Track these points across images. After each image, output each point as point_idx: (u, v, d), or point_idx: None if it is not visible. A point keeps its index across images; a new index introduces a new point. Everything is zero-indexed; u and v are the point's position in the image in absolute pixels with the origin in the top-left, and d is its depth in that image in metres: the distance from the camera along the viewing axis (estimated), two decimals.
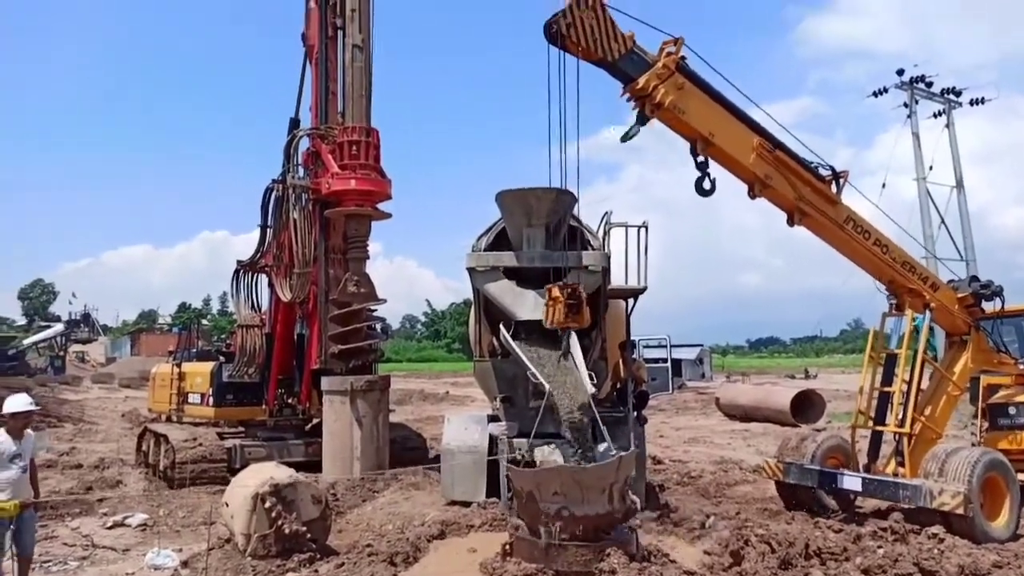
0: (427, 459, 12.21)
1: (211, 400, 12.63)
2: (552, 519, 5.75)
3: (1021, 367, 10.22)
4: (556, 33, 6.86)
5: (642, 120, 7.28)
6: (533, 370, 7.47)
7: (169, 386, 13.78)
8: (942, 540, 6.14)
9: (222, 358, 13.40)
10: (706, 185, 7.64)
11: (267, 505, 6.47)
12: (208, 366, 13.05)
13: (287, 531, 6.46)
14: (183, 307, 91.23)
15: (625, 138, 7.45)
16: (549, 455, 7.05)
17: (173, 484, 10.70)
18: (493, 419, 9.00)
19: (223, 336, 31.68)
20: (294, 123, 13.05)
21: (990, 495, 7.60)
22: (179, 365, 13.85)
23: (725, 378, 42.31)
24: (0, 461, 5.72)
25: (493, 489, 8.55)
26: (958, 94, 29.82)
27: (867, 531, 6.66)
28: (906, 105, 29.06)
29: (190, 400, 13.29)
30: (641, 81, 7.06)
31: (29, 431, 6.12)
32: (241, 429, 12.81)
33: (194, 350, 15.32)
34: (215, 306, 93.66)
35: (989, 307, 9.48)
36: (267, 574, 6.12)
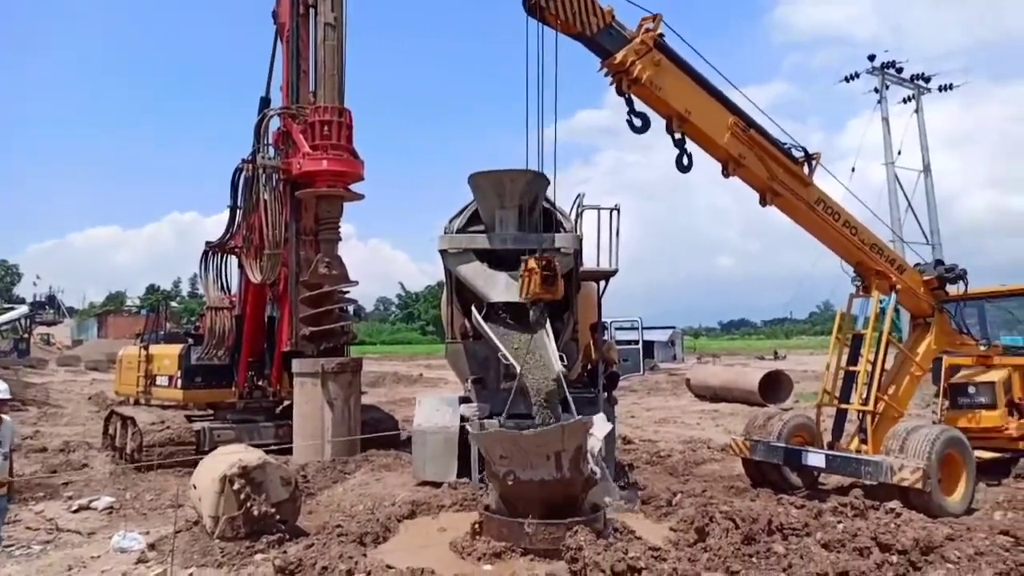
0: (399, 441, 12.23)
1: (179, 382, 12.48)
2: (502, 481, 5.92)
3: (982, 349, 10.50)
4: (535, 5, 6.82)
5: (620, 94, 7.28)
6: (504, 351, 7.51)
7: (136, 368, 13.59)
8: (899, 515, 6.30)
9: (191, 340, 13.25)
10: (685, 161, 7.70)
11: (236, 487, 6.43)
12: (176, 348, 12.89)
13: (256, 513, 6.43)
14: (152, 289, 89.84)
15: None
16: None
17: (141, 467, 10.59)
18: (465, 400, 9.04)
19: (193, 318, 31.30)
20: (264, 102, 12.85)
21: (948, 471, 7.81)
22: (146, 347, 13.66)
23: (696, 359, 42.83)
24: None
25: (464, 470, 8.60)
26: (927, 80, 30.25)
27: (828, 507, 6.80)
28: (877, 90, 29.42)
29: (158, 383, 13.12)
30: (619, 56, 7.06)
31: (7, 418, 6.01)
32: (210, 412, 12.72)
33: (162, 332, 15.11)
34: (185, 288, 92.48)
35: (953, 290, 9.68)
36: (235, 556, 6.10)
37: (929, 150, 29.78)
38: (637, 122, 7.37)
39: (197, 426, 11.60)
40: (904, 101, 30.26)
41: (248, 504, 6.43)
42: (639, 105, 7.42)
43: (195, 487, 7.14)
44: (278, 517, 6.61)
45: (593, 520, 5.95)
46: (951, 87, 30.43)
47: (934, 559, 5.27)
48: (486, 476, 6.36)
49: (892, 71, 29.34)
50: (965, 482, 7.92)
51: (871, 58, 29.48)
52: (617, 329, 33.01)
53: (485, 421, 8.17)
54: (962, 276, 9.56)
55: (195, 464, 8.31)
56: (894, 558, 5.28)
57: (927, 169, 29.54)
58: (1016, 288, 11.93)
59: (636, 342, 32.72)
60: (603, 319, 10.40)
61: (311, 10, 12.04)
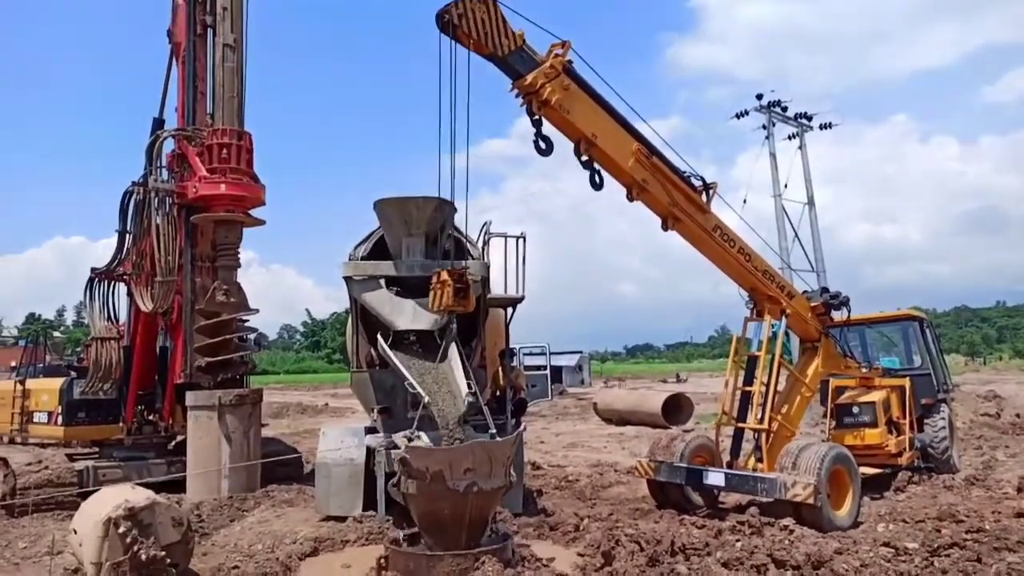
0: (302, 475, 11.81)
1: (60, 419, 11.63)
2: (462, 496, 5.79)
3: (864, 371, 11.22)
4: (448, 23, 6.89)
5: (531, 115, 7.41)
6: (411, 380, 7.39)
7: (11, 404, 12.59)
8: (792, 531, 6.59)
9: (73, 373, 12.41)
10: (596, 180, 7.87)
11: (121, 530, 5.99)
12: (57, 382, 12.03)
13: (144, 557, 6.01)
14: (32, 318, 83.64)
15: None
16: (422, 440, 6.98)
17: (14, 512, 9.74)
18: (371, 431, 8.83)
19: (78, 349, 29.33)
20: (158, 123, 12.30)
21: (836, 487, 8.22)
22: (23, 381, 12.69)
23: (603, 383, 43.67)
24: None
25: (370, 503, 8.38)
26: (809, 119, 32.29)
27: (727, 525, 7.03)
28: (764, 127, 31.13)
29: (35, 419, 12.19)
30: (529, 78, 7.21)
31: None
32: (95, 449, 11.90)
33: (42, 365, 14.11)
34: (70, 317, 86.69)
35: (837, 316, 10.29)
36: None
37: (812, 184, 31.80)
38: (543, 145, 7.53)
39: (80, 465, 10.80)
40: (789, 138, 32.20)
41: (135, 548, 6.00)
42: (546, 129, 7.59)
43: (75, 532, 6.61)
44: (168, 561, 6.20)
45: (501, 549, 5.92)
46: (830, 126, 32.69)
47: (824, 572, 5.53)
48: (417, 501, 6.00)
49: (778, 109, 31.19)
50: (851, 497, 8.36)
51: (759, 97, 31.24)
52: (526, 355, 33.37)
53: (392, 453, 8.02)
54: (845, 303, 10.18)
55: (77, 507, 7.72)
56: (788, 573, 5.51)
57: (811, 202, 31.45)
58: (892, 315, 12.90)
59: (544, 367, 33.13)
60: (511, 345, 10.47)
61: (209, 30, 11.70)
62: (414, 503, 6.01)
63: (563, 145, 7.80)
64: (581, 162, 7.81)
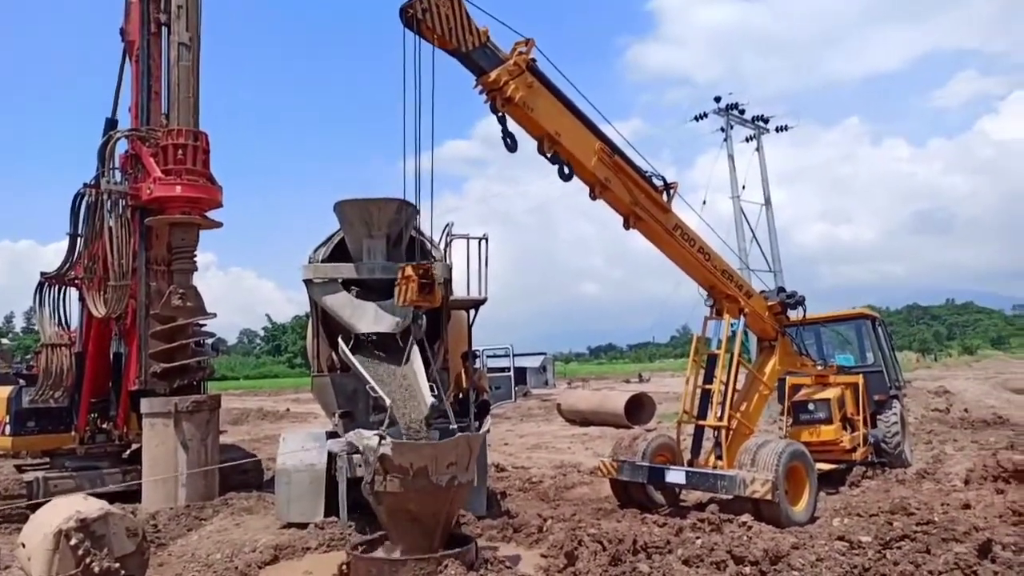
0: (262, 482, 11.64)
1: (8, 428, 11.28)
2: (443, 492, 5.79)
3: (819, 369, 11.47)
4: (412, 17, 6.86)
5: (494, 112, 7.41)
6: (373, 384, 7.34)
7: None
8: (751, 528, 6.71)
9: (22, 381, 12.03)
10: (565, 171, 7.88)
11: (73, 542, 5.83)
12: (4, 390, 11.65)
13: (96, 570, 5.84)
14: None
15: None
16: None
17: None
18: (332, 436, 8.74)
19: (27, 357, 28.40)
20: (111, 124, 11.99)
21: (793, 483, 8.38)
22: None
23: (567, 384, 43.86)
24: None
25: (331, 509, 8.28)
26: (766, 121, 32.97)
27: (688, 523, 7.12)
28: (722, 129, 31.66)
29: None
30: (493, 75, 7.23)
31: None
32: (46, 460, 11.55)
33: None
34: (19, 324, 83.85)
35: (793, 315, 10.52)
36: None
37: (769, 185, 32.47)
38: (509, 141, 7.57)
39: (29, 476, 10.48)
40: (746, 140, 32.85)
41: (87, 560, 5.83)
42: (511, 126, 7.60)
43: (23, 545, 6.40)
44: (123, 573, 6.05)
45: (464, 552, 5.91)
46: (786, 128, 33.42)
47: (782, 567, 5.64)
48: (394, 499, 5.82)
49: (736, 112, 31.79)
50: (808, 492, 8.53)
51: (717, 100, 31.81)
52: (489, 357, 33.39)
53: (354, 457, 7.95)
54: (801, 302, 10.41)
55: (26, 520, 7.48)
56: (747, 569, 5.61)
57: (768, 202, 32.11)
58: (846, 314, 13.24)
59: (508, 369, 33.19)
60: (475, 347, 10.45)
61: (163, 28, 11.46)
62: (391, 501, 5.85)
63: (526, 146, 7.82)
64: (547, 157, 7.83)
